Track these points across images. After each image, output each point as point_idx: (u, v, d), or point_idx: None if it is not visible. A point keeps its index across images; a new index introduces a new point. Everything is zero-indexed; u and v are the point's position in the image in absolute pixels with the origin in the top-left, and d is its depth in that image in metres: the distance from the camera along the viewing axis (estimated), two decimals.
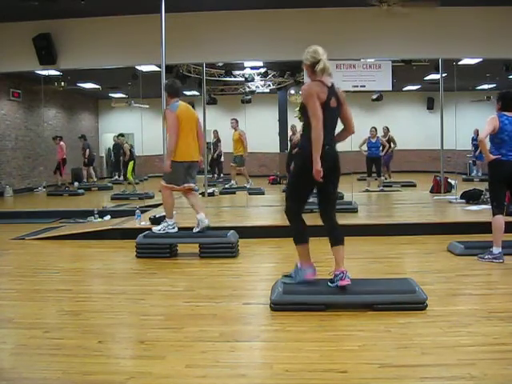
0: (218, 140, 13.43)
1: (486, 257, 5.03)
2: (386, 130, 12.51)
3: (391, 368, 2.70)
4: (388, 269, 4.96)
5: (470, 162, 14.04)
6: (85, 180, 14.04)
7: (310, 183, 3.69)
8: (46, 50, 8.91)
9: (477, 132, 13.11)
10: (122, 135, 12.75)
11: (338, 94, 3.69)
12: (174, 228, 5.75)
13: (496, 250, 4.99)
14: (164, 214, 5.91)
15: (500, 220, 5.02)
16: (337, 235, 3.73)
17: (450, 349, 2.93)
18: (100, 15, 8.78)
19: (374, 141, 11.85)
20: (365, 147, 11.53)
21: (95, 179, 14.30)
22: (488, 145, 5.16)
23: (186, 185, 5.69)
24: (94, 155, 14.53)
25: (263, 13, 8.73)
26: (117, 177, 13.85)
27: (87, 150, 13.95)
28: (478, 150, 12.39)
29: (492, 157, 5.08)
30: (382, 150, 12.00)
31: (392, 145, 12.46)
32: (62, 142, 13.27)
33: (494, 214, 5.06)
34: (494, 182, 5.16)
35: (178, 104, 5.64)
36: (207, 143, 12.61)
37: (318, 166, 3.51)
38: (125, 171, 12.32)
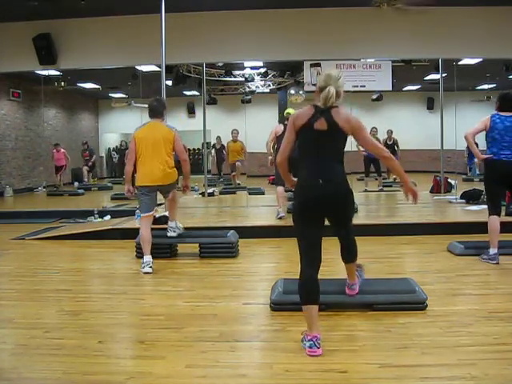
0: (223, 146, 13.46)
1: (484, 257, 5.03)
2: (390, 133, 12.46)
3: (391, 368, 2.70)
4: (388, 269, 4.96)
5: (468, 165, 14.05)
6: (85, 180, 14.07)
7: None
8: (46, 50, 8.90)
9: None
10: None
11: (335, 117, 3.10)
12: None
13: (492, 250, 4.96)
14: (166, 214, 5.87)
15: (495, 221, 4.96)
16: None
17: (450, 349, 2.93)
18: (100, 15, 8.78)
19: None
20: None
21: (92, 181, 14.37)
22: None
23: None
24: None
25: (263, 13, 8.72)
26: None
27: (94, 156, 14.20)
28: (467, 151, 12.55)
29: (481, 156, 5.11)
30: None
31: (396, 148, 12.43)
32: (63, 150, 13.30)
33: (489, 215, 5.04)
34: (488, 182, 5.12)
35: (142, 125, 5.33)
36: (207, 143, 12.64)
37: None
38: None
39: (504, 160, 4.92)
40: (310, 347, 2.94)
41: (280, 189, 7.31)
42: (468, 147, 13.16)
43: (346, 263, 3.58)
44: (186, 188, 5.46)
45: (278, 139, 7.11)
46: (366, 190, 11.24)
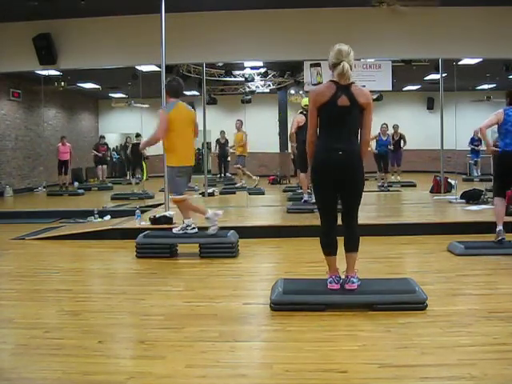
0: (227, 141, 13.45)
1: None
2: (397, 127, 12.40)
3: (391, 368, 2.70)
4: (388, 269, 4.96)
5: (471, 162, 14.05)
6: (102, 178, 14.17)
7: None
8: (46, 50, 8.90)
9: (477, 133, 13.13)
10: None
11: (356, 95, 3.49)
12: (193, 229, 5.63)
13: (497, 227, 5.35)
14: (166, 214, 5.88)
15: (498, 202, 5.37)
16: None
17: (450, 349, 2.93)
18: (100, 15, 8.77)
19: (384, 138, 11.83)
20: (373, 145, 11.48)
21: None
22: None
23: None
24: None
25: (263, 13, 8.72)
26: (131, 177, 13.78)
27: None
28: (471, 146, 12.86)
29: (492, 148, 5.49)
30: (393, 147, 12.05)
31: (402, 143, 12.44)
32: (68, 144, 13.28)
33: (494, 196, 5.51)
34: (498, 172, 5.50)
35: (173, 105, 5.43)
36: (208, 143, 12.64)
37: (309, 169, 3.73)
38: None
39: None
40: (330, 283, 3.63)
41: (303, 175, 7.74)
42: (471, 142, 13.37)
43: (347, 252, 3.70)
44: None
45: (301, 129, 7.60)
46: (382, 186, 11.33)
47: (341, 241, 3.71)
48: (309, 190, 7.71)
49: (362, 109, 3.51)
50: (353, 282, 3.67)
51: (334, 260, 3.69)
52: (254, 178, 12.30)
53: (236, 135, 12.20)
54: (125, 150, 13.08)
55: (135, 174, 13.07)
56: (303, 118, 7.64)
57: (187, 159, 5.51)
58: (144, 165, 12.27)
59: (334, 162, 3.54)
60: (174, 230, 5.70)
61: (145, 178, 12.27)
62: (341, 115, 3.50)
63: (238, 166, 12.21)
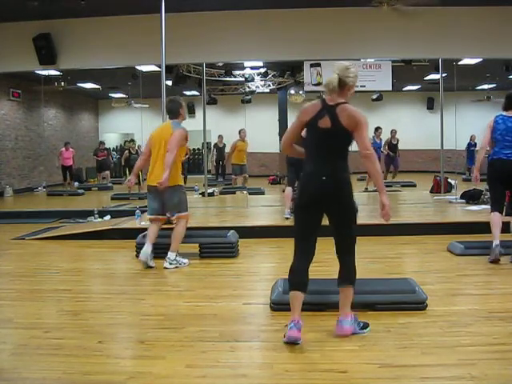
0: (224, 146, 13.39)
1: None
2: (394, 132, 12.39)
3: (391, 368, 2.70)
4: (388, 269, 4.96)
5: (468, 167, 14.07)
6: (107, 181, 14.14)
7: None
8: (46, 50, 8.91)
9: (474, 138, 13.19)
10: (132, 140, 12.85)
11: (339, 116, 3.06)
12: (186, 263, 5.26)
13: (494, 242, 5.03)
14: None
15: (494, 216, 5.12)
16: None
17: (450, 349, 2.93)
18: (100, 15, 8.79)
19: (378, 141, 11.84)
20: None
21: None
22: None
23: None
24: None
25: (263, 13, 8.73)
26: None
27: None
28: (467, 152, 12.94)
29: (477, 173, 5.31)
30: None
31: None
32: (72, 149, 13.27)
33: (491, 211, 5.23)
34: (490, 181, 5.30)
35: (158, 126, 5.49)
36: (208, 143, 12.61)
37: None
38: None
39: (504, 159, 5.06)
40: (290, 328, 3.03)
41: (288, 190, 7.13)
42: (468, 148, 13.35)
43: (339, 286, 3.21)
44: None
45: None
46: (366, 190, 11.25)
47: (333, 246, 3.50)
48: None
49: (348, 131, 3.06)
50: (343, 326, 3.15)
51: (300, 298, 3.13)
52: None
53: (242, 144, 11.91)
54: (122, 152, 13.16)
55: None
56: None
57: (149, 179, 5.27)
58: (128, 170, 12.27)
59: (315, 188, 3.11)
60: (167, 265, 5.16)
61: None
62: (322, 139, 3.10)
63: (235, 177, 12.04)
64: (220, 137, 13.46)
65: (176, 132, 5.16)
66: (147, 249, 5.11)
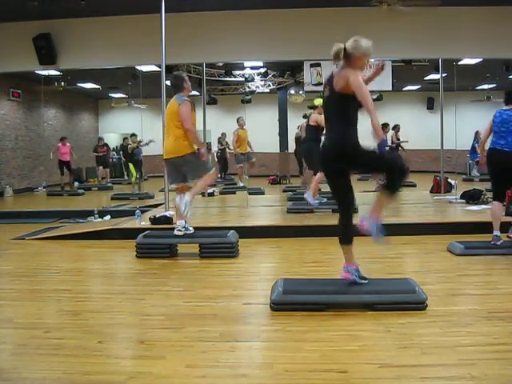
0: (227, 143, 13.42)
1: (492, 242, 5.37)
2: (398, 128, 12.38)
3: (391, 368, 2.70)
4: (388, 269, 4.96)
5: (471, 162, 14.08)
6: (102, 179, 14.10)
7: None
8: (46, 50, 8.90)
9: (478, 134, 13.16)
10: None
11: (334, 82, 3.36)
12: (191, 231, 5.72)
13: (494, 233, 5.35)
14: (166, 214, 5.88)
15: (495, 206, 5.41)
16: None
17: (450, 349, 2.93)
18: (100, 15, 8.78)
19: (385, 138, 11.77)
20: None
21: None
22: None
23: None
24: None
25: (263, 13, 8.72)
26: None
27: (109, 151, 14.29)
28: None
29: (482, 156, 5.64)
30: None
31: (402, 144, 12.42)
32: (68, 144, 13.22)
33: (493, 199, 5.54)
34: (490, 172, 5.56)
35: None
36: (208, 143, 12.60)
37: None
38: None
39: (498, 149, 5.36)
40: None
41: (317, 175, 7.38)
42: (473, 143, 13.40)
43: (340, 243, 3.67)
44: (202, 155, 5.50)
45: (316, 128, 7.86)
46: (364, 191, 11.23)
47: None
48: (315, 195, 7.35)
49: (344, 95, 3.29)
50: (363, 220, 3.62)
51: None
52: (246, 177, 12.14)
53: (244, 132, 11.81)
54: (122, 150, 13.06)
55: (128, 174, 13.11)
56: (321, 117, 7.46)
57: (164, 153, 5.65)
58: (131, 166, 12.21)
59: (323, 154, 3.55)
60: (177, 233, 5.66)
61: (133, 179, 12.22)
62: (327, 106, 3.50)
63: (241, 165, 12.03)
64: (223, 134, 13.52)
65: (182, 106, 5.44)
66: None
